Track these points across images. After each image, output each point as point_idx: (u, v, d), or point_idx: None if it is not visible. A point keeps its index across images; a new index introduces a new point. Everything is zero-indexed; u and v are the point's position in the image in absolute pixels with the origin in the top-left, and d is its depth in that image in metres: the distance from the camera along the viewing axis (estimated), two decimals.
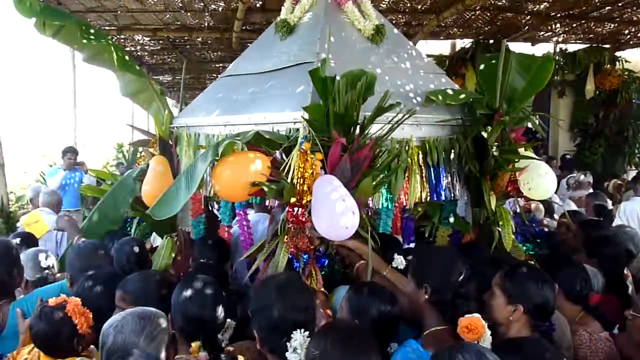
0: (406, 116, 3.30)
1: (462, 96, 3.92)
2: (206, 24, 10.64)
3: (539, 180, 3.91)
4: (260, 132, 3.06)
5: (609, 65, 12.30)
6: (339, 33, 4.06)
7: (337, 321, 2.17)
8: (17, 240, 4.56)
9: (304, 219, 2.95)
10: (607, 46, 12.50)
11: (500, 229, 3.86)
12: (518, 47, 12.20)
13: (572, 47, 12.57)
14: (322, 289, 3.14)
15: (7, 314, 3.38)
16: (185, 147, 4.35)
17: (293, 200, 2.94)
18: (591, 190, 8.07)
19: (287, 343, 2.15)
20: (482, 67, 4.39)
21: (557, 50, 12.44)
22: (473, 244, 3.98)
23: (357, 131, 3.18)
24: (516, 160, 3.90)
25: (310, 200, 2.95)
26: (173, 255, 4.01)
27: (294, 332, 2.16)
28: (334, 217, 2.82)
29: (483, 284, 2.80)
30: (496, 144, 3.82)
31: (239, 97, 4.06)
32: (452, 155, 3.89)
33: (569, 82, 12.63)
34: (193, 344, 2.53)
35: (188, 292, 2.67)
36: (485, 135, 3.80)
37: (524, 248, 4.16)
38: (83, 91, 11.81)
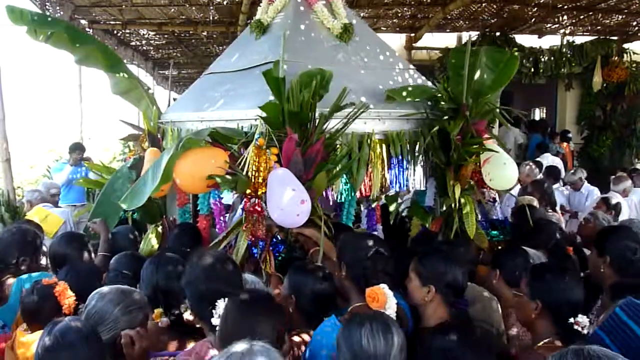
0: (359, 112, 3.61)
1: (423, 92, 4.20)
2: (211, 18, 10.85)
3: (499, 171, 4.18)
4: (217, 129, 3.41)
5: (616, 58, 12.37)
6: (309, 32, 4.39)
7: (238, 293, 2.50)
8: None
9: (260, 209, 3.30)
10: (615, 38, 12.60)
11: (464, 217, 4.17)
12: (525, 39, 12.47)
13: (579, 39, 12.65)
14: (276, 273, 3.48)
15: (10, 287, 3.76)
16: (170, 141, 4.70)
17: (249, 191, 3.28)
18: (586, 184, 8.30)
19: (213, 311, 2.47)
20: (452, 60, 4.63)
21: (564, 42, 12.51)
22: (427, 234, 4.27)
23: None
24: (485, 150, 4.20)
25: (265, 192, 3.28)
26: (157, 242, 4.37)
27: (218, 301, 2.48)
28: (286, 206, 3.17)
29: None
30: (458, 136, 4.10)
31: (215, 94, 4.40)
32: (417, 148, 4.19)
33: (576, 75, 12.72)
34: (156, 311, 2.91)
35: (153, 267, 3.06)
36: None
37: (493, 234, 4.44)
38: (89, 85, 12.17)
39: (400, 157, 4.10)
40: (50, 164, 12.30)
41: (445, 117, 4.20)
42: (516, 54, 4.53)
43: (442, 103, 4.24)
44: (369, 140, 3.93)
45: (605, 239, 3.74)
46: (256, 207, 3.29)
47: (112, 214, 5.04)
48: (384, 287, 2.69)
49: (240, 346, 1.85)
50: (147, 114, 5.11)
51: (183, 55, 14.70)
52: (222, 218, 4.33)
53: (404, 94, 4.13)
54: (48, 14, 9.53)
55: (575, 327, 2.57)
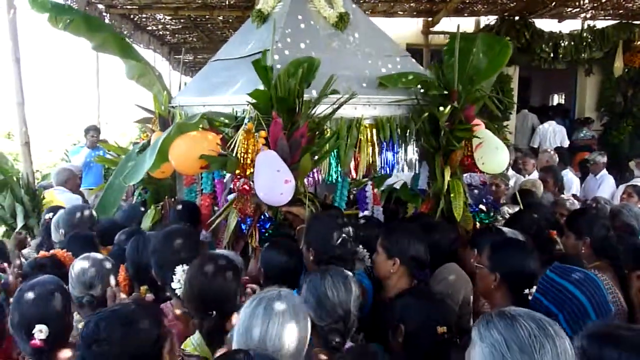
0: (346, 99, 3.95)
1: (415, 79, 4.50)
2: (227, 2, 11.12)
3: (491, 155, 4.41)
4: (208, 113, 3.79)
5: (638, 42, 12.48)
6: (306, 21, 4.70)
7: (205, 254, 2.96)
8: (50, 214, 5.33)
9: (248, 188, 3.67)
10: (638, 22, 12.66)
11: (452, 200, 4.47)
12: (544, 23, 12.58)
13: (600, 24, 12.77)
14: (260, 247, 3.82)
15: None
16: None
17: (238, 172, 3.65)
18: (603, 171, 8.50)
19: (173, 276, 2.87)
20: (447, 47, 4.90)
21: (585, 26, 12.67)
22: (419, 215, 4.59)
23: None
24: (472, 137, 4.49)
25: (253, 172, 3.65)
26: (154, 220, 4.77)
27: (176, 267, 2.88)
28: (270, 185, 3.54)
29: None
30: (446, 122, 4.40)
31: (218, 80, 4.75)
32: (408, 133, 4.51)
33: (596, 60, 12.85)
34: (142, 288, 3.29)
35: (134, 246, 3.43)
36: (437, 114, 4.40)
37: (482, 216, 4.75)
38: (106, 70, 12.59)
39: (390, 142, 4.42)
40: (68, 148, 12.71)
41: (436, 104, 4.49)
42: (508, 41, 4.77)
43: (433, 90, 4.53)
44: (358, 125, 4.25)
45: (581, 221, 4.03)
46: (244, 187, 3.66)
47: (116, 196, 5.48)
48: None
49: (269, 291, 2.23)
50: (158, 98, 5.51)
51: (199, 40, 15.03)
52: (223, 197, 4.72)
53: (396, 80, 4.46)
54: None
55: (530, 297, 2.81)
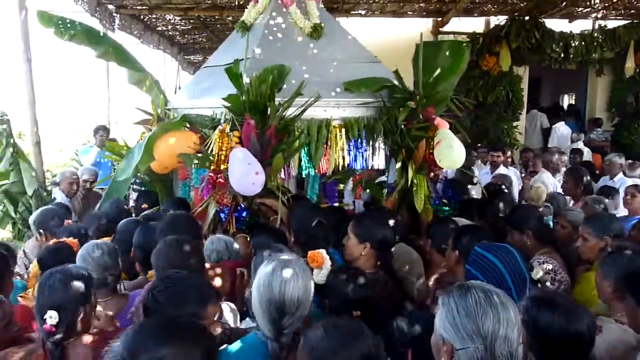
0: (312, 102, 4.77)
1: (377, 83, 5.30)
2: (237, 3, 11.65)
3: (446, 152, 5.16)
4: (188, 115, 4.65)
5: None
6: (283, 31, 5.56)
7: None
8: None
9: (222, 181, 4.50)
10: None
11: (414, 193, 5.23)
12: (555, 23, 13.12)
13: (611, 24, 13.28)
14: (242, 234, 4.69)
15: None
16: None
17: (213, 167, 4.49)
18: (620, 174, 8.64)
19: None
20: (415, 54, 5.65)
21: (596, 26, 13.23)
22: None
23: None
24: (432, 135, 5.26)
25: (227, 167, 4.48)
26: None
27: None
28: (242, 177, 4.36)
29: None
30: (404, 122, 5.18)
31: (205, 85, 5.63)
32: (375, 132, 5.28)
33: (607, 60, 13.34)
34: (149, 272, 3.97)
35: (143, 234, 4.19)
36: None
37: (444, 209, 5.53)
38: (116, 70, 13.38)
39: (359, 140, 5.20)
40: (78, 148, 13.43)
41: (399, 105, 5.26)
42: (465, 44, 5.53)
43: (398, 92, 5.31)
44: (327, 125, 5.03)
45: (517, 217, 4.80)
46: (220, 180, 4.51)
47: (123, 189, 6.36)
48: (322, 252, 3.61)
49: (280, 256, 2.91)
50: (155, 102, 6.37)
51: (208, 40, 15.77)
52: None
53: (359, 86, 5.26)
54: None
55: None
